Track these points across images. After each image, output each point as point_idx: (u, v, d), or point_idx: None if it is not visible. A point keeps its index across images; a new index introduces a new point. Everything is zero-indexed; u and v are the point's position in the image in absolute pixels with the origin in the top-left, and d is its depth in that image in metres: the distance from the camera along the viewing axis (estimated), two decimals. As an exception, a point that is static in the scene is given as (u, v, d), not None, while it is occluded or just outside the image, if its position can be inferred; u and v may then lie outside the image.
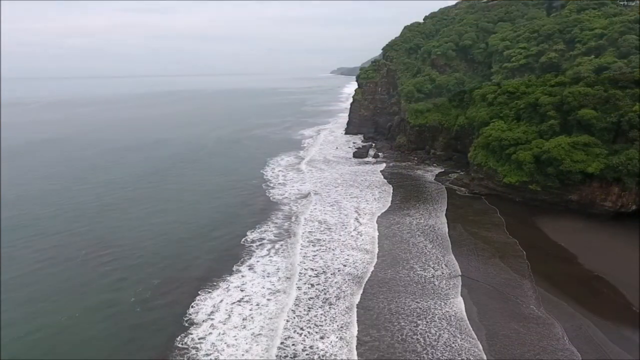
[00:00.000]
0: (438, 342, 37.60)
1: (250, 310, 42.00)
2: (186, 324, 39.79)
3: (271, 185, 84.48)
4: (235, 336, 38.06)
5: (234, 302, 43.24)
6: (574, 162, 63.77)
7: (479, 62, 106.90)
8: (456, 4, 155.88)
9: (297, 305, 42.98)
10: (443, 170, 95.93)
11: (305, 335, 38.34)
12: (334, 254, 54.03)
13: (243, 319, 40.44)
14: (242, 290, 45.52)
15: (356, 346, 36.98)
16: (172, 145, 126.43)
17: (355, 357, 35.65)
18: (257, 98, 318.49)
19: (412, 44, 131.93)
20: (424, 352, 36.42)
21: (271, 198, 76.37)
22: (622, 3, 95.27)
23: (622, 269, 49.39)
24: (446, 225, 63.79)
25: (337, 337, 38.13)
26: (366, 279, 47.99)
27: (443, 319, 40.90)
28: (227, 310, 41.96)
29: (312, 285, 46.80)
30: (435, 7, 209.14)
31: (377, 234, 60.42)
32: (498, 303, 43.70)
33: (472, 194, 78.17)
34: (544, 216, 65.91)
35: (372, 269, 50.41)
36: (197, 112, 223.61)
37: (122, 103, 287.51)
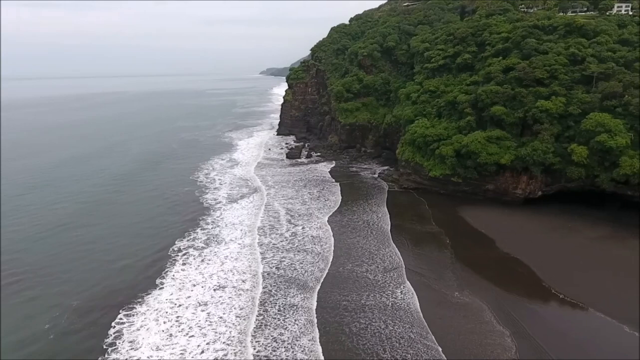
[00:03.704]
0: (367, 330, 38.79)
1: (171, 326, 39.34)
2: (105, 347, 36.44)
3: (203, 191, 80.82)
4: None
5: (155, 319, 40.37)
6: (489, 155, 69.13)
7: (402, 62, 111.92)
8: (379, 7, 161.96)
9: (226, 314, 41.20)
10: (374, 167, 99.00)
11: (233, 346, 36.76)
12: (264, 258, 52.95)
13: (160, 339, 37.54)
14: (162, 304, 42.77)
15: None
16: (95, 157, 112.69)
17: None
18: (185, 100, 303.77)
19: (339, 45, 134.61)
20: (348, 340, 37.52)
21: (204, 204, 73.12)
22: (522, 10, 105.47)
23: (533, 250, 54.50)
24: (381, 219, 65.68)
25: (270, 340, 37.47)
26: (300, 279, 47.70)
27: (375, 308, 41.99)
28: (149, 329, 38.94)
29: (244, 290, 45.22)
30: (360, 8, 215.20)
31: (313, 233, 60.39)
32: (427, 290, 45.83)
33: (402, 188, 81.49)
34: (466, 206, 70.70)
35: (311, 268, 50.17)
36: (119, 117, 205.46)
37: (39, 107, 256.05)
